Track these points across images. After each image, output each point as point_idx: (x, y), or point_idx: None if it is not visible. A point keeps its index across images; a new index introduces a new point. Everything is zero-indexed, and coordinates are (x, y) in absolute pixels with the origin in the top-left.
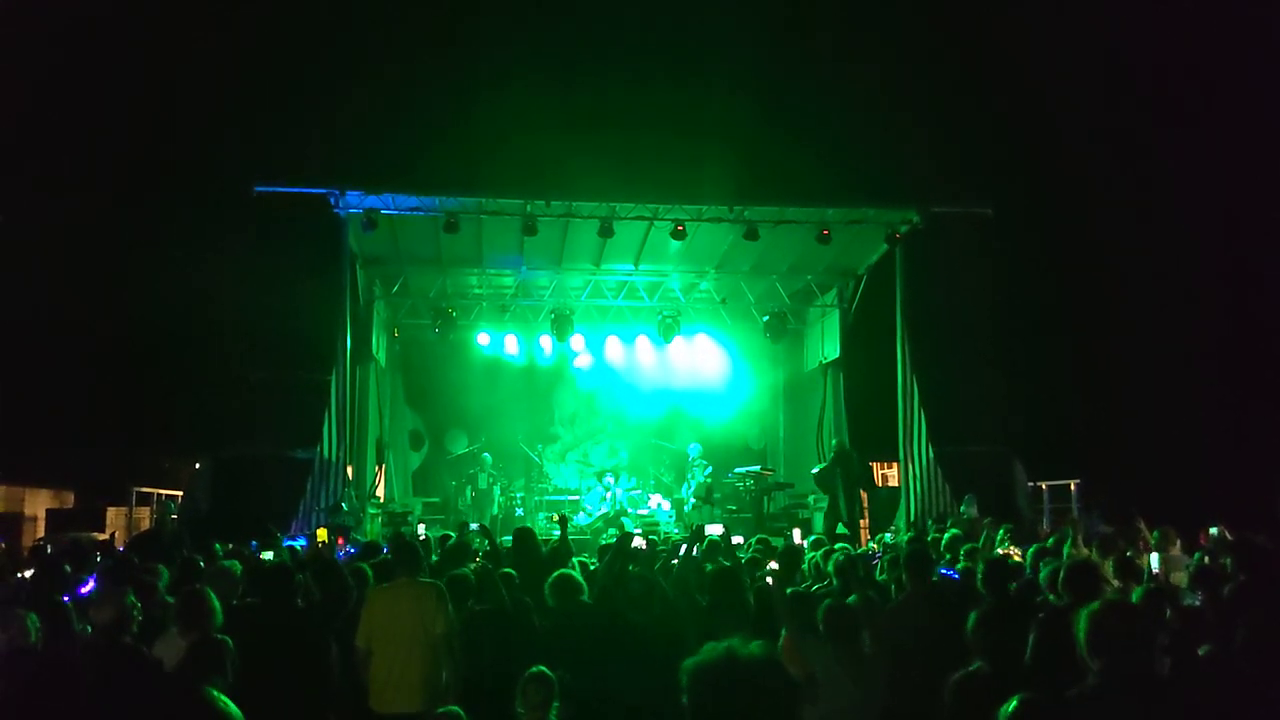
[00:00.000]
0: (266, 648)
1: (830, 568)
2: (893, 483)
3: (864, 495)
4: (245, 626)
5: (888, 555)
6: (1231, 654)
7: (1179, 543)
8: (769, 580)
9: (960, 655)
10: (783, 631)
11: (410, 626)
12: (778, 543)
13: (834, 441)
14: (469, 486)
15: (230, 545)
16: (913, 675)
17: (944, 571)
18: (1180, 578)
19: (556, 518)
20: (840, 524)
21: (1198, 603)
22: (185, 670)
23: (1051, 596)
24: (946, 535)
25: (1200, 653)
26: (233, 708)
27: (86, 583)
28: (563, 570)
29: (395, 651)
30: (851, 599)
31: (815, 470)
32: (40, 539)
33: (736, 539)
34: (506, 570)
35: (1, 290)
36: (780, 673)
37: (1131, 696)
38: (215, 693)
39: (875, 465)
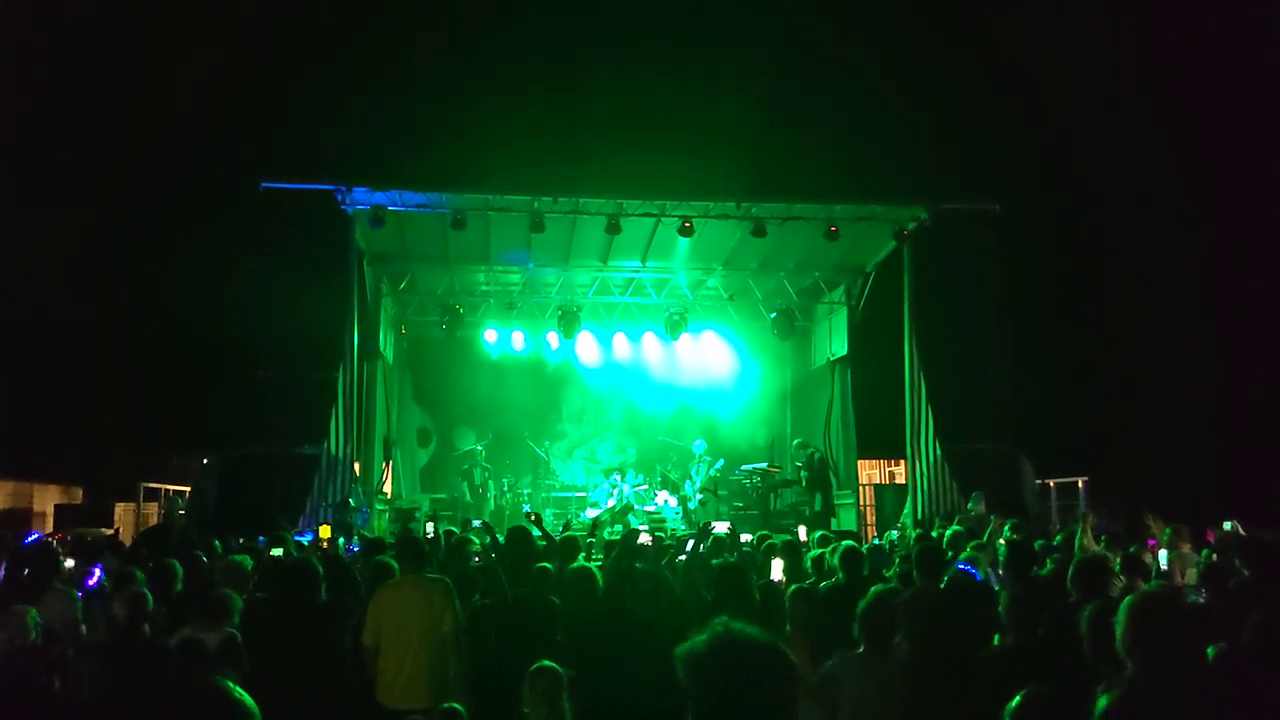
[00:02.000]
0: (282, 642)
1: (836, 560)
2: (900, 480)
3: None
4: (260, 620)
5: (897, 552)
6: (1238, 652)
7: (1189, 540)
8: (775, 579)
9: (973, 650)
10: (787, 628)
11: (418, 622)
12: (779, 539)
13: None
14: (464, 483)
15: (240, 540)
16: (924, 668)
17: (961, 566)
18: (1191, 575)
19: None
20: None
21: (1202, 599)
22: (190, 661)
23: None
24: (949, 531)
25: (1209, 652)
26: (247, 698)
27: (92, 574)
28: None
29: (404, 647)
30: (877, 588)
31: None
32: (49, 534)
33: (745, 536)
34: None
35: (10, 288)
36: (776, 649)
37: (1173, 692)
38: (229, 683)
39: (884, 463)
